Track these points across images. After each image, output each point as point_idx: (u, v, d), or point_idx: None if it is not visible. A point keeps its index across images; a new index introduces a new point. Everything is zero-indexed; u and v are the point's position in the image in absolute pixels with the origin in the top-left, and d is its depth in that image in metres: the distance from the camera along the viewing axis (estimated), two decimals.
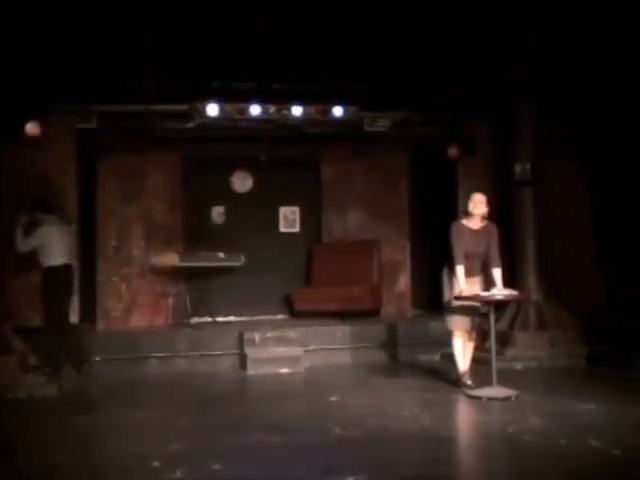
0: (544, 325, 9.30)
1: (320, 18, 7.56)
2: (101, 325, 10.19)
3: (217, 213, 11.29)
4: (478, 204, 7.28)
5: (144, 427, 6.19)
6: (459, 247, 7.16)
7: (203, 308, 10.56)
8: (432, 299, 10.05)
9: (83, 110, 9.37)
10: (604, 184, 9.83)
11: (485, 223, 7.35)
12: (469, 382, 7.29)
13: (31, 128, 8.82)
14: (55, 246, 8.26)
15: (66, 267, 8.38)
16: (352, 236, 11.27)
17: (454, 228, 7.29)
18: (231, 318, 10.88)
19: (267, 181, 11.26)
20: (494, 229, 7.38)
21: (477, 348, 7.65)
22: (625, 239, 9.34)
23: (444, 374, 8.06)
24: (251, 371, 8.79)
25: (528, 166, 9.59)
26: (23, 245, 8.26)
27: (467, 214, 7.35)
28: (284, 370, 8.83)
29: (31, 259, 8.45)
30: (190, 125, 9.56)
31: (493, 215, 9.58)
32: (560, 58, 8.27)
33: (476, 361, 7.56)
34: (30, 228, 8.32)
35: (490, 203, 7.38)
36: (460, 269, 7.09)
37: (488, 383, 7.05)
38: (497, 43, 8.14)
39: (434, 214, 10.92)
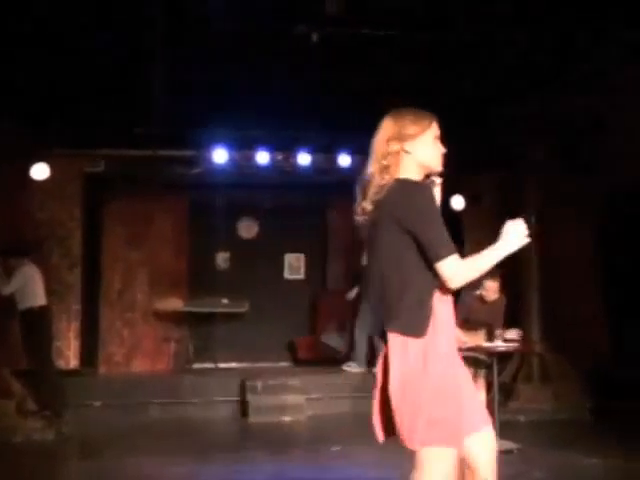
0: (548, 377, 9.22)
1: (329, 69, 7.67)
2: (103, 370, 10.15)
3: (222, 259, 11.31)
4: (491, 293, 7.27)
5: (141, 475, 6.12)
6: (461, 314, 7.24)
7: (206, 354, 10.52)
8: None
9: (90, 154, 9.43)
10: (607, 231, 9.81)
11: (497, 296, 7.33)
12: None
13: (38, 171, 8.89)
14: (34, 287, 8.17)
15: (45, 308, 8.27)
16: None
17: (464, 299, 7.37)
18: (233, 364, 10.82)
19: (273, 228, 11.29)
20: (503, 302, 7.38)
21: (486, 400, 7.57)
22: (629, 289, 9.29)
23: None
24: (252, 419, 8.70)
25: (532, 218, 9.59)
26: (6, 287, 8.13)
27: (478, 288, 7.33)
28: (286, 418, 8.74)
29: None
30: (197, 171, 9.62)
31: (499, 265, 9.55)
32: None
33: None
34: (8, 271, 8.20)
35: (502, 288, 7.34)
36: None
37: None
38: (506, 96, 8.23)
39: None
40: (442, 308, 2.88)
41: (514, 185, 9.91)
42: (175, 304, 10.26)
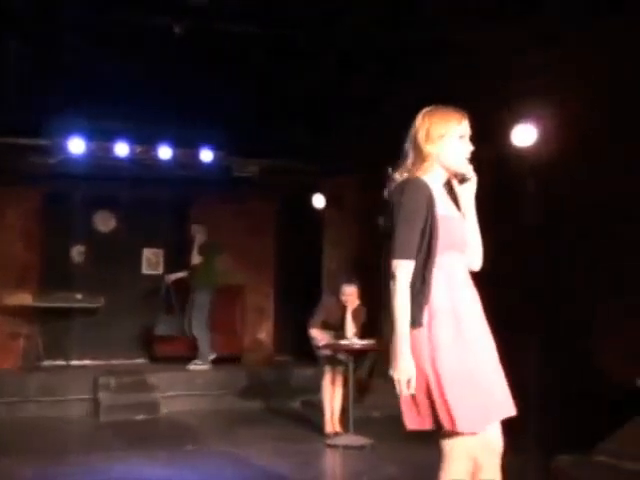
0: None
1: (193, 63, 7.56)
2: None
3: (77, 252, 10.95)
4: (349, 298, 7.36)
5: None
6: (317, 318, 7.33)
7: (57, 351, 10.15)
8: (295, 346, 10.09)
9: None
10: None
11: (356, 305, 7.44)
12: (329, 430, 7.30)
13: None
14: None
15: None
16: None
17: (324, 303, 7.45)
18: (87, 362, 10.50)
19: (131, 221, 11.03)
20: (363, 313, 7.49)
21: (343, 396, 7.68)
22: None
23: (305, 422, 8.05)
24: (104, 418, 8.45)
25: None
26: None
27: (338, 294, 7.43)
28: (140, 417, 8.55)
29: None
30: (52, 161, 9.26)
31: (357, 264, 9.75)
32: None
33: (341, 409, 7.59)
34: None
35: (360, 296, 7.44)
36: (314, 332, 7.27)
37: (347, 431, 7.09)
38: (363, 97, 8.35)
39: (301, 261, 11.01)
40: (442, 294, 2.95)
41: (374, 186, 10.08)
42: (23, 299, 9.84)
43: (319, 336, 7.28)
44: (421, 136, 3.07)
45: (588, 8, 5.93)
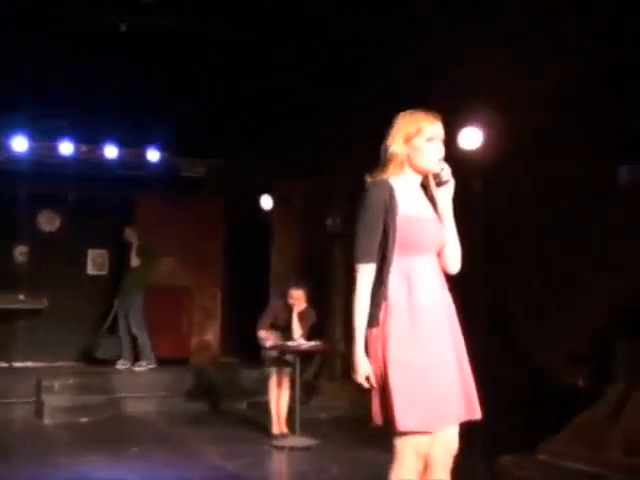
0: (349, 375, 9.45)
1: (140, 61, 7.50)
2: None
3: (20, 252, 10.74)
4: (297, 301, 7.37)
5: None
6: (265, 319, 7.32)
7: (0, 353, 9.96)
8: (242, 348, 10.05)
9: None
10: None
11: (303, 308, 7.45)
12: (276, 431, 7.30)
13: None
14: None
15: None
16: (164, 282, 11.06)
17: (271, 305, 7.49)
18: (30, 364, 10.31)
19: (76, 221, 10.86)
20: (311, 316, 7.50)
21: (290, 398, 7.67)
22: None
23: (252, 424, 8.02)
24: (48, 420, 8.31)
25: (339, 219, 9.85)
26: None
27: (285, 296, 7.43)
28: (85, 419, 8.43)
29: None
30: None
31: (305, 266, 9.75)
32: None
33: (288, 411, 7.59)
34: None
35: (308, 299, 7.45)
36: (262, 332, 7.26)
37: (293, 432, 7.09)
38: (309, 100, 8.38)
39: (248, 263, 10.98)
40: (400, 294, 2.96)
41: (322, 188, 10.13)
42: None
43: (267, 337, 7.27)
44: (390, 138, 3.11)
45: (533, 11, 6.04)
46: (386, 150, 3.11)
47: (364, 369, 2.94)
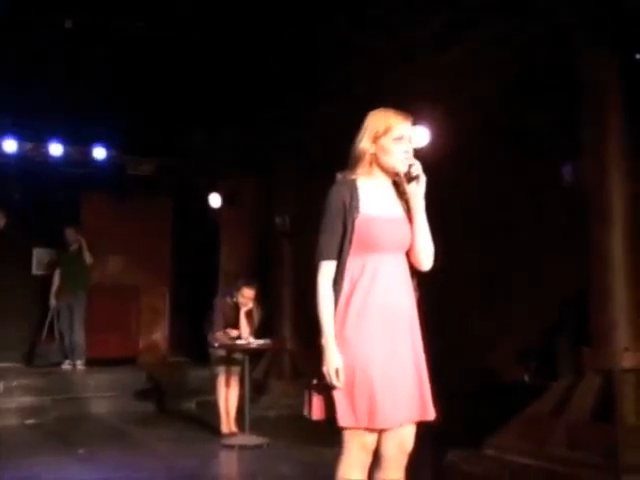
0: (298, 373, 9.50)
1: (87, 58, 7.43)
2: None
3: None
4: (246, 300, 7.35)
5: None
6: (219, 321, 7.28)
7: None
8: (191, 347, 10.00)
9: None
10: None
11: (251, 306, 7.44)
12: (225, 430, 7.28)
13: None
14: None
15: None
16: (111, 281, 10.94)
17: (217, 304, 7.37)
18: None
19: (22, 220, 10.65)
20: (258, 314, 7.51)
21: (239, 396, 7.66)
22: None
23: (201, 423, 8.00)
24: None
25: (287, 218, 9.86)
26: None
27: (233, 295, 7.39)
28: (29, 421, 8.31)
29: None
30: None
31: (254, 264, 9.74)
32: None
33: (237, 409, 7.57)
34: None
35: (257, 298, 7.45)
36: (219, 335, 7.22)
37: (243, 431, 7.09)
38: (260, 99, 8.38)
39: (197, 262, 10.92)
40: (352, 290, 3.02)
41: (271, 186, 10.13)
42: None
43: (223, 338, 7.20)
44: (360, 135, 3.13)
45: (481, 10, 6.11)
46: (355, 146, 3.14)
47: (335, 362, 2.94)
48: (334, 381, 2.93)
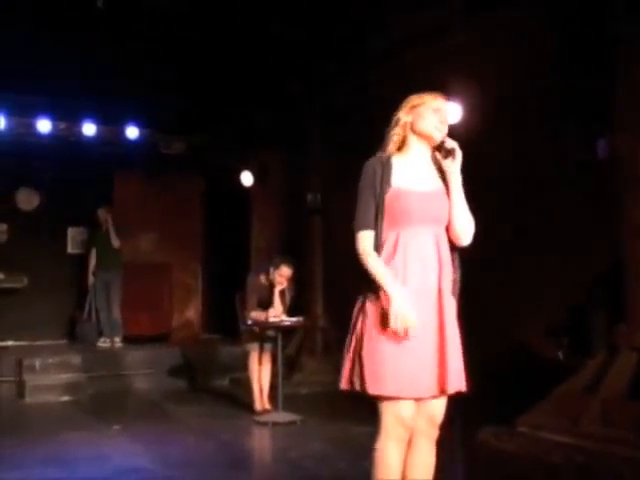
0: (330, 350, 9.52)
1: (117, 37, 7.44)
2: None
3: None
4: (283, 279, 7.25)
5: None
6: (252, 299, 7.25)
7: None
8: (224, 324, 10.05)
9: None
10: None
11: (286, 285, 7.39)
12: (259, 407, 7.32)
13: None
14: None
15: None
16: (144, 259, 11.03)
17: (251, 282, 7.34)
18: (10, 343, 10.26)
19: (55, 200, 10.78)
20: (290, 294, 7.46)
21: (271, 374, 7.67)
22: None
23: (234, 399, 8.06)
24: (30, 399, 8.30)
25: (319, 195, 9.83)
26: None
27: (268, 273, 7.35)
28: (65, 398, 8.42)
29: None
30: None
31: (285, 242, 9.73)
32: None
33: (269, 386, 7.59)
34: None
35: (294, 277, 7.36)
36: (254, 314, 7.18)
37: (276, 408, 7.13)
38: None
39: (228, 239, 10.96)
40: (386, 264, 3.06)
41: (302, 164, 10.10)
42: None
43: (259, 317, 7.19)
44: (398, 111, 3.26)
45: None
46: (393, 119, 3.25)
47: (405, 307, 2.95)
48: (400, 330, 2.94)
